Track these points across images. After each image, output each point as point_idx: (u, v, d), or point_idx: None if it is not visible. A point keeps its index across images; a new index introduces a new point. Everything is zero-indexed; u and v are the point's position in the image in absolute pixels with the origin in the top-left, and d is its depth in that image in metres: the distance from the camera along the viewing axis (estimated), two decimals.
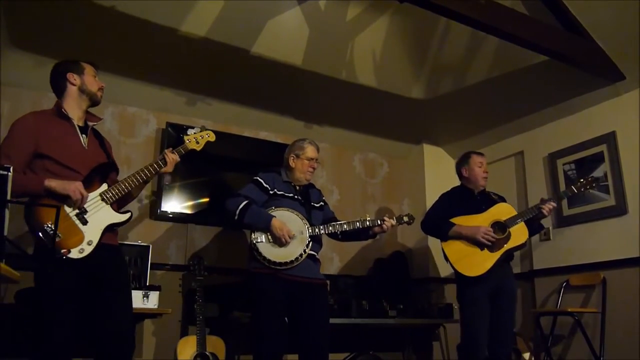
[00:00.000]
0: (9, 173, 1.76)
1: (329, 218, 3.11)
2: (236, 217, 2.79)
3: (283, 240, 2.74)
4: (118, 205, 2.39)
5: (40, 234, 2.08)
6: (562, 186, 4.01)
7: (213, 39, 3.57)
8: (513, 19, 3.20)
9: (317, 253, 2.94)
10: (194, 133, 2.65)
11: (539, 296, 4.09)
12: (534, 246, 4.14)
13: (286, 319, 2.84)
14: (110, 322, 2.22)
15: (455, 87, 4.26)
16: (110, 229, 2.29)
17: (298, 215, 2.87)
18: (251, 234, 2.82)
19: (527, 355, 3.85)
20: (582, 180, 3.31)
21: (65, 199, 2.16)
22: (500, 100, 4.22)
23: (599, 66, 3.53)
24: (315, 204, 3.05)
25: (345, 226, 2.93)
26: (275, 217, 2.78)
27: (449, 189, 3.52)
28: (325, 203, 3.18)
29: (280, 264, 2.75)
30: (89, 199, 2.21)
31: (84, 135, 2.35)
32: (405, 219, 3.12)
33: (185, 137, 2.62)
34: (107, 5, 3.21)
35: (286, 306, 2.79)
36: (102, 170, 2.32)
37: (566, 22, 3.39)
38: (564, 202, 3.95)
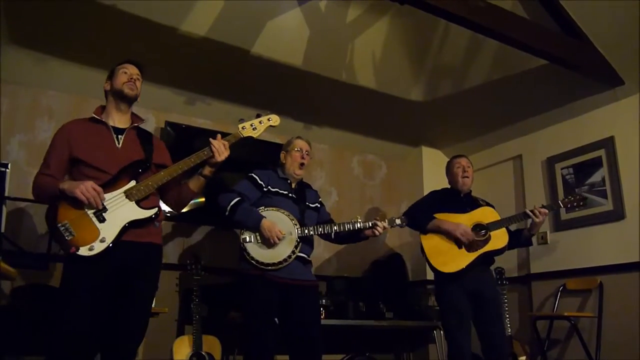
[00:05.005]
0: (7, 170, 1.77)
1: (325, 220, 3.06)
2: (227, 213, 2.80)
3: (272, 241, 2.72)
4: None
5: (53, 232, 2.13)
6: (560, 190, 4.02)
7: (213, 39, 3.57)
8: (513, 22, 3.21)
9: (308, 255, 2.91)
10: (252, 119, 2.55)
11: (536, 300, 4.09)
12: (531, 250, 4.14)
13: (276, 320, 2.81)
14: (120, 322, 2.17)
15: (455, 90, 4.26)
16: (138, 226, 2.21)
17: (288, 216, 2.84)
18: (240, 234, 2.80)
19: (523, 359, 3.85)
20: (570, 197, 3.30)
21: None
22: (499, 104, 4.22)
23: (598, 71, 3.54)
24: (310, 204, 3.03)
25: (335, 227, 2.88)
26: (265, 217, 2.76)
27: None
28: (322, 205, 3.15)
29: (268, 264, 2.72)
30: (112, 196, 2.18)
31: (119, 136, 2.34)
32: (398, 221, 2.99)
33: (240, 125, 2.53)
34: (108, 4, 3.22)
35: (276, 307, 2.76)
36: (133, 168, 2.28)
37: (566, 27, 3.39)
38: None
